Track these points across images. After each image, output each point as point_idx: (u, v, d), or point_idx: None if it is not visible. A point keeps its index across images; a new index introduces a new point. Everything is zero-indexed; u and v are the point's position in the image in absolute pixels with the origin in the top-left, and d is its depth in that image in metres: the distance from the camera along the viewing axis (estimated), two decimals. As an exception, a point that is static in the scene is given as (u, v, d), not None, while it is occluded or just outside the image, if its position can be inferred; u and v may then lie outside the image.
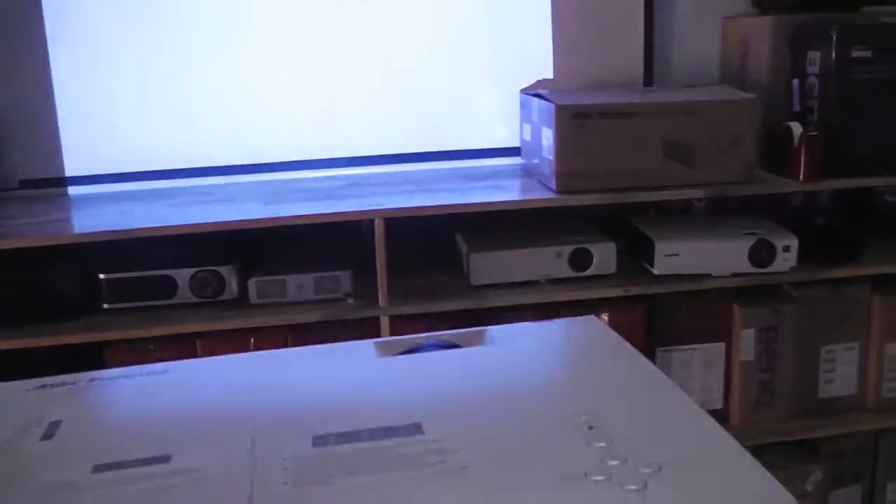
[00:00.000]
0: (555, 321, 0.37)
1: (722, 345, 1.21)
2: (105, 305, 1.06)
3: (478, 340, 0.37)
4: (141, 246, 1.06)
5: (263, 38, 1.26)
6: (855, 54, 1.12)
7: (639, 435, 0.30)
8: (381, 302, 1.07)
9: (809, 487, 1.25)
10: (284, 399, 0.34)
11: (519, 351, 0.36)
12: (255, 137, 1.28)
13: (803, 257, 1.15)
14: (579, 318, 0.38)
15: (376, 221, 1.06)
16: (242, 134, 1.28)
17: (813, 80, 1.17)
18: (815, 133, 1.14)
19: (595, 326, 0.38)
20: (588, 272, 1.14)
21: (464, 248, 1.16)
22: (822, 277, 1.18)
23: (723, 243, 1.15)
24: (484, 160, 1.33)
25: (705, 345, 1.20)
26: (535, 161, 1.22)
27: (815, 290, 1.20)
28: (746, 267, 1.14)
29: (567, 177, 1.11)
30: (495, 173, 1.28)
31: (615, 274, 1.15)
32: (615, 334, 0.37)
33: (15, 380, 0.36)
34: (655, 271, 1.15)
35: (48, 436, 0.31)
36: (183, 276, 1.06)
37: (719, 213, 1.32)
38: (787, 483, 1.25)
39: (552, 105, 1.10)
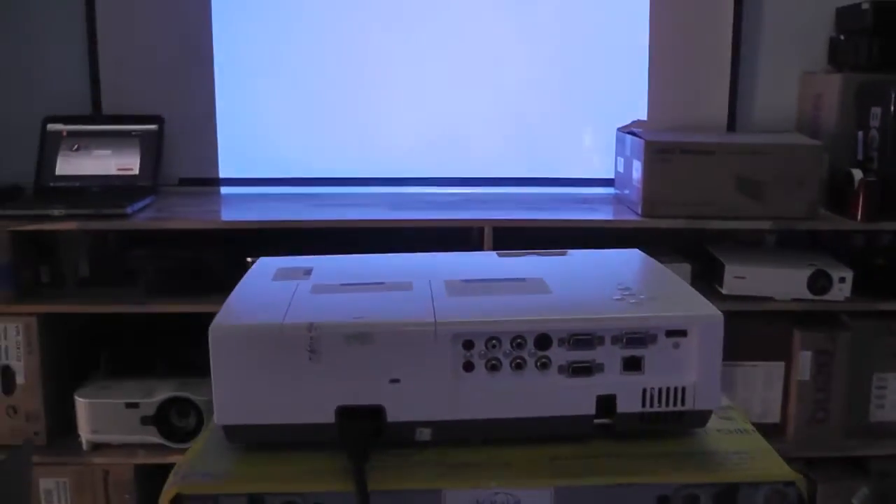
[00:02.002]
0: (613, 251, 0.68)
1: (781, 364, 1.40)
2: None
3: (561, 254, 0.67)
4: (283, 236, 1.33)
5: (404, 70, 1.52)
6: (911, 110, 1.35)
7: (648, 290, 0.57)
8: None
9: (856, 502, 1.44)
10: (447, 266, 0.63)
11: (588, 259, 0.65)
12: (387, 154, 1.54)
13: (859, 290, 1.35)
14: (627, 250, 0.68)
15: (485, 229, 1.31)
16: (376, 151, 1.54)
17: (874, 133, 1.40)
18: (873, 179, 1.37)
19: (641, 255, 0.66)
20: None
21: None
22: (875, 309, 1.37)
23: (785, 270, 1.36)
24: (581, 188, 1.56)
25: (766, 363, 1.40)
26: (626, 191, 1.46)
27: (869, 321, 1.40)
28: (805, 293, 1.35)
29: (652, 202, 1.35)
30: (591, 199, 1.51)
31: None
32: (655, 261, 0.64)
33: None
34: (724, 291, 1.37)
35: (307, 273, 0.61)
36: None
37: (787, 245, 1.53)
38: (836, 496, 1.50)
39: (642, 141, 1.36)
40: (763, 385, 1.42)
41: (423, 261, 0.65)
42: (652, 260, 0.66)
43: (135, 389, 1.32)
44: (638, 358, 0.53)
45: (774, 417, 1.43)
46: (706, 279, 1.43)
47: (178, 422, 1.31)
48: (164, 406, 1.30)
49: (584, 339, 0.52)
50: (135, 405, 1.30)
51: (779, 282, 1.37)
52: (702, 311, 0.53)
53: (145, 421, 1.29)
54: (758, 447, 0.54)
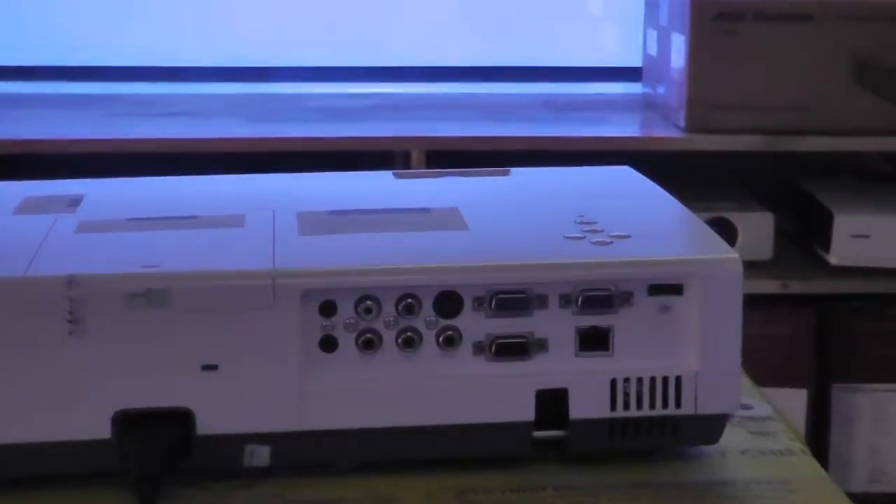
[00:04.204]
0: (586, 168, 0.73)
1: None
2: None
3: (502, 174, 0.73)
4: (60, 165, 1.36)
5: None
6: None
7: (624, 224, 0.63)
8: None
9: None
10: (302, 192, 0.69)
11: (541, 180, 0.71)
12: (239, 31, 1.58)
13: None
14: (613, 167, 0.73)
15: (413, 154, 1.37)
16: (226, 23, 1.59)
17: None
18: None
19: (629, 174, 0.71)
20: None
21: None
22: None
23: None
24: (585, 84, 1.62)
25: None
26: (661, 89, 1.52)
27: None
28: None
29: (702, 107, 1.41)
30: (600, 104, 1.58)
31: (771, 261, 1.43)
32: (652, 183, 0.69)
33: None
34: (832, 260, 1.41)
35: (74, 203, 0.66)
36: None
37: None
38: None
39: (688, 1, 1.41)
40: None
41: (268, 184, 0.71)
42: (644, 180, 0.73)
43: None
44: (602, 330, 0.58)
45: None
46: (800, 240, 1.50)
47: None
48: None
49: (514, 300, 0.57)
50: None
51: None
52: (707, 253, 0.59)
53: None
54: (808, 476, 0.61)
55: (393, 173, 0.74)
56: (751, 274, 1.45)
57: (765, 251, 1.46)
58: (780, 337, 1.44)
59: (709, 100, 1.43)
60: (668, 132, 1.45)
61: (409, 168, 1.39)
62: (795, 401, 1.40)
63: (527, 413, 0.59)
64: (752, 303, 1.59)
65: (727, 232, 1.44)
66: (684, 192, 1.45)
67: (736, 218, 1.45)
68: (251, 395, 0.57)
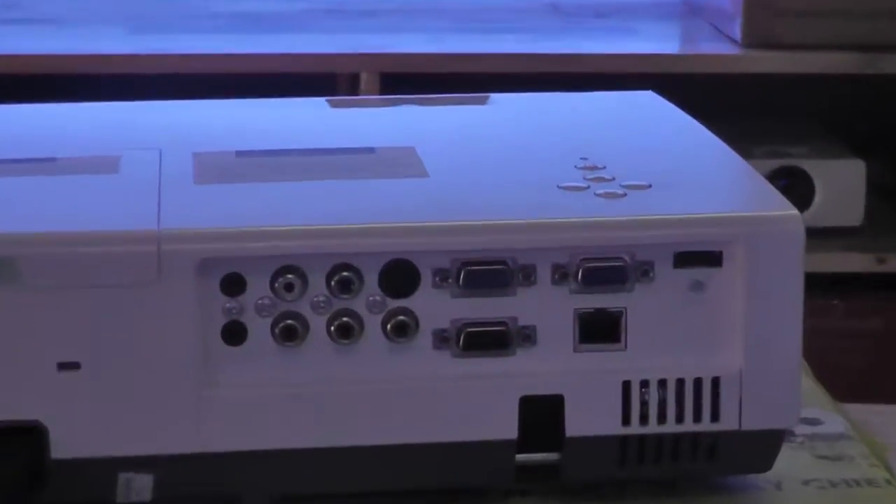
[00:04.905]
0: (593, 93, 0.74)
1: None
2: None
3: (478, 102, 0.74)
4: None
5: None
6: None
7: (643, 170, 0.64)
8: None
9: None
10: (200, 126, 0.69)
11: (530, 111, 0.72)
12: None
13: None
14: (630, 93, 0.74)
15: (363, 76, 1.38)
16: None
17: None
18: None
19: (652, 101, 0.72)
20: (805, 218, 1.46)
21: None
22: None
23: None
24: None
25: None
26: None
27: None
28: None
29: (766, 13, 1.42)
30: (627, 8, 1.60)
31: (861, 228, 1.47)
32: (682, 113, 0.70)
33: None
34: None
35: None
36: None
37: None
38: None
39: None
40: None
41: (154, 115, 0.72)
42: (673, 110, 0.74)
43: None
44: (612, 316, 0.60)
45: None
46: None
47: None
48: None
49: (490, 273, 0.59)
50: None
51: None
52: (756, 209, 0.61)
53: None
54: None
55: (327, 100, 0.75)
56: (831, 244, 1.47)
57: (853, 214, 1.47)
58: (869, 333, 1.44)
59: (775, 2, 1.44)
60: (719, 47, 1.46)
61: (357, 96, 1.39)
62: (885, 417, 1.41)
63: (507, 429, 0.60)
64: (832, 284, 1.57)
65: (801, 187, 1.45)
66: (739, 130, 1.44)
67: (812, 168, 1.45)
68: (126, 405, 0.58)
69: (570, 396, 0.60)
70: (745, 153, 1.42)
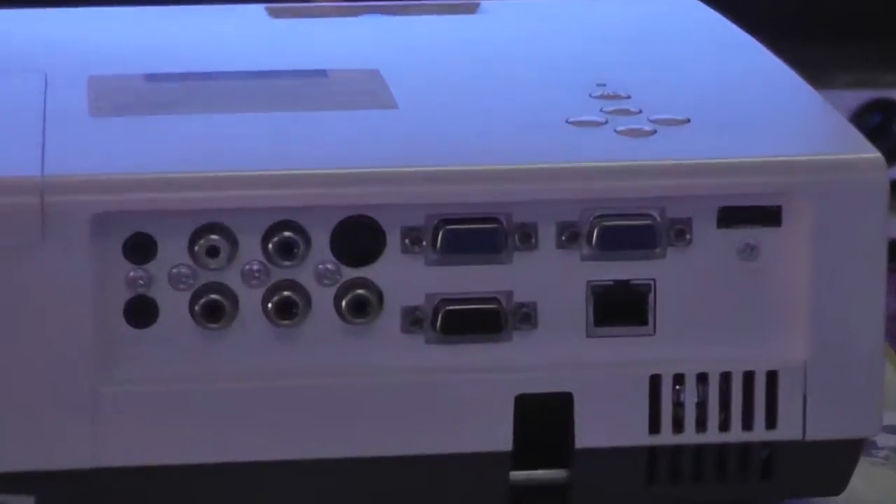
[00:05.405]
0: None
1: None
2: None
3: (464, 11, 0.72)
4: None
5: None
6: None
7: (678, 100, 0.63)
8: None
9: None
10: (99, 41, 0.68)
11: (531, 23, 0.71)
12: None
13: None
14: None
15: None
16: None
17: None
18: None
19: (693, 8, 0.71)
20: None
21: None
22: None
23: None
24: None
25: None
26: None
27: None
28: None
29: None
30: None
31: None
32: (733, 26, 0.69)
33: None
34: None
35: None
36: None
37: None
38: None
39: None
40: None
41: (40, 25, 0.71)
42: (721, 22, 0.73)
43: None
44: (636, 290, 0.59)
45: None
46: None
47: None
48: None
49: (476, 234, 0.58)
50: None
51: None
52: (826, 152, 0.60)
53: None
54: None
55: (266, 8, 0.74)
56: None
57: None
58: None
59: None
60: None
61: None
62: None
63: (500, 438, 0.59)
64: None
65: (893, 123, 1.45)
66: (814, 53, 1.46)
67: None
68: (3, 407, 0.57)
69: (582, 396, 0.59)
70: (822, 81, 1.44)
